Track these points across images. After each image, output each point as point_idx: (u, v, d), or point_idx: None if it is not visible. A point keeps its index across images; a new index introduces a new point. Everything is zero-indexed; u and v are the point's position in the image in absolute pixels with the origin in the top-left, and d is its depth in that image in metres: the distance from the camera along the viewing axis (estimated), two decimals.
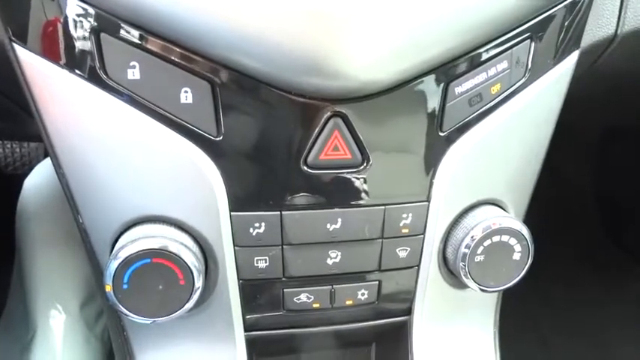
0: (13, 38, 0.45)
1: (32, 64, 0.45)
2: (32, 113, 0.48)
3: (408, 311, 0.56)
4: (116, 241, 0.49)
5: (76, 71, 0.44)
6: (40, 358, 0.74)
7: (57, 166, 0.48)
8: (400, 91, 0.47)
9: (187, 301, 0.48)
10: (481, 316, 0.61)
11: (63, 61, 0.44)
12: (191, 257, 0.47)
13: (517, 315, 0.64)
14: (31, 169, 1.58)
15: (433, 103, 0.49)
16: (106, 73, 0.44)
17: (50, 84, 0.45)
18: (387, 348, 0.60)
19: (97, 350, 0.78)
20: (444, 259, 0.55)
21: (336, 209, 0.50)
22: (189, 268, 0.47)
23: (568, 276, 1.49)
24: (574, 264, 1.54)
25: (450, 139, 0.51)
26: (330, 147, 0.48)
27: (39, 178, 0.90)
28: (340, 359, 0.62)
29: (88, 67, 0.44)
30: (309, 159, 0.48)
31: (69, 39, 0.43)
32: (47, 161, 0.94)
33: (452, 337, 0.59)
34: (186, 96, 0.45)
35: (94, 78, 0.44)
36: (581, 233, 1.61)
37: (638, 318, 1.45)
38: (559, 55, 0.53)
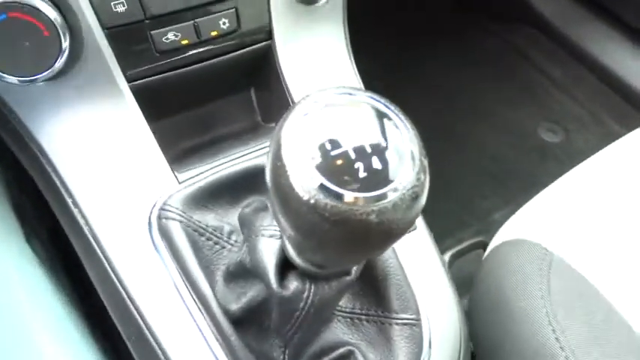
0: None
1: None
2: None
3: (269, 35, 0.63)
4: None
5: None
6: None
7: None
8: None
9: (60, 53, 0.50)
10: (333, 29, 0.69)
11: None
12: (44, 5, 0.48)
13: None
14: None
15: None
16: None
17: None
18: (262, 82, 0.68)
19: None
20: None
21: None
22: (47, 17, 0.48)
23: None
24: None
25: None
26: None
27: None
28: (226, 105, 0.69)
29: None
30: None
31: None
32: None
33: (312, 50, 0.67)
34: None
35: None
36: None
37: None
38: None
